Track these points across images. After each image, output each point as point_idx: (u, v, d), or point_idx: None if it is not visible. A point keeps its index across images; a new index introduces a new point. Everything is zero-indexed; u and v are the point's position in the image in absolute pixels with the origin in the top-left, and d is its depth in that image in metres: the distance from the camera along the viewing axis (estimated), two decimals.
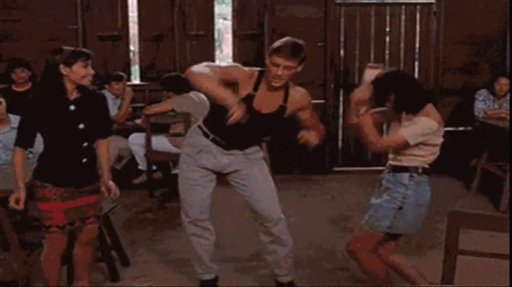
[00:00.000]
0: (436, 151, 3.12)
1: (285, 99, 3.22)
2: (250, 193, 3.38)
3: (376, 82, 3.07)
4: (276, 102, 3.21)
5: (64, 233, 3.15)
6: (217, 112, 3.15)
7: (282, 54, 3.03)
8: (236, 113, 2.84)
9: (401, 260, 3.27)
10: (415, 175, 3.06)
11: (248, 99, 3.13)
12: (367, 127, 3.06)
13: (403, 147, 3.03)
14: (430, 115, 3.03)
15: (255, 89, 3.17)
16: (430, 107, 3.07)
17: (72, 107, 3.05)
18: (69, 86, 3.02)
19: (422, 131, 2.99)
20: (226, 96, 2.89)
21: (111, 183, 3.29)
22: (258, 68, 3.27)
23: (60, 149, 3.10)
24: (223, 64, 3.18)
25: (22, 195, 3.07)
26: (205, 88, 2.96)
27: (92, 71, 3.04)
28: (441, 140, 3.12)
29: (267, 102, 3.19)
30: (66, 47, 3.03)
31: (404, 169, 3.08)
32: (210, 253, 3.56)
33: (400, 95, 3.03)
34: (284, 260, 3.50)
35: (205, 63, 3.11)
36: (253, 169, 3.38)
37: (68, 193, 3.09)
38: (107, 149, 3.31)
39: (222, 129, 3.19)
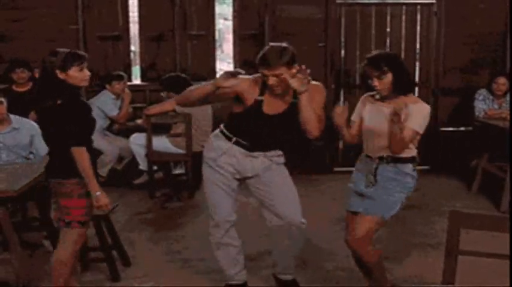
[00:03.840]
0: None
1: (295, 95, 3.18)
2: (271, 198, 3.38)
3: (371, 61, 3.13)
4: (286, 100, 3.23)
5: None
6: (238, 115, 3.29)
7: (265, 66, 3.07)
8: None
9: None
10: (415, 164, 3.18)
11: (256, 105, 3.21)
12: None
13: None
14: (419, 101, 3.16)
15: (261, 93, 3.22)
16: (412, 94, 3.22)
17: None
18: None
19: (425, 117, 3.10)
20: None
21: None
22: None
23: (90, 145, 3.15)
24: (224, 82, 3.17)
25: (106, 199, 3.09)
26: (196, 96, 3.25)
27: (88, 73, 3.09)
28: None
29: (276, 104, 3.22)
30: (61, 50, 3.06)
31: (406, 160, 3.14)
32: (236, 261, 3.52)
33: (399, 74, 3.09)
34: (290, 259, 3.53)
35: (194, 87, 3.35)
36: (273, 173, 3.39)
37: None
38: None
39: (244, 131, 3.29)
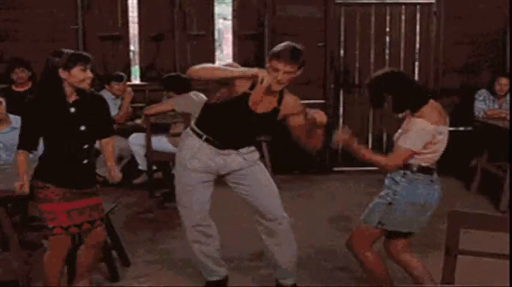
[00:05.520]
0: (436, 149, 3.11)
1: (279, 102, 3.24)
2: (251, 191, 3.37)
3: (371, 83, 3.15)
4: (271, 104, 3.23)
5: (68, 234, 3.14)
6: (210, 111, 3.29)
7: (281, 60, 3.06)
8: (264, 78, 2.99)
9: (412, 260, 3.28)
10: (408, 172, 3.08)
11: (243, 98, 3.19)
12: (369, 155, 3.15)
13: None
14: (425, 116, 3.05)
15: (251, 88, 3.19)
16: (426, 107, 3.09)
17: (72, 110, 3.08)
18: (68, 89, 3.05)
19: (418, 134, 3.02)
20: (245, 71, 3.07)
21: (116, 170, 3.41)
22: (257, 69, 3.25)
23: (62, 150, 3.11)
24: (220, 64, 3.16)
25: (26, 180, 3.09)
26: (218, 76, 3.09)
27: (90, 75, 3.05)
28: (440, 137, 3.12)
29: (261, 103, 3.21)
30: (66, 50, 3.04)
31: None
32: (214, 257, 3.52)
33: (397, 94, 3.08)
34: (288, 262, 3.50)
35: (203, 64, 3.23)
36: (252, 168, 3.38)
37: (69, 194, 3.09)
38: (112, 146, 3.45)
39: (215, 129, 3.27)
